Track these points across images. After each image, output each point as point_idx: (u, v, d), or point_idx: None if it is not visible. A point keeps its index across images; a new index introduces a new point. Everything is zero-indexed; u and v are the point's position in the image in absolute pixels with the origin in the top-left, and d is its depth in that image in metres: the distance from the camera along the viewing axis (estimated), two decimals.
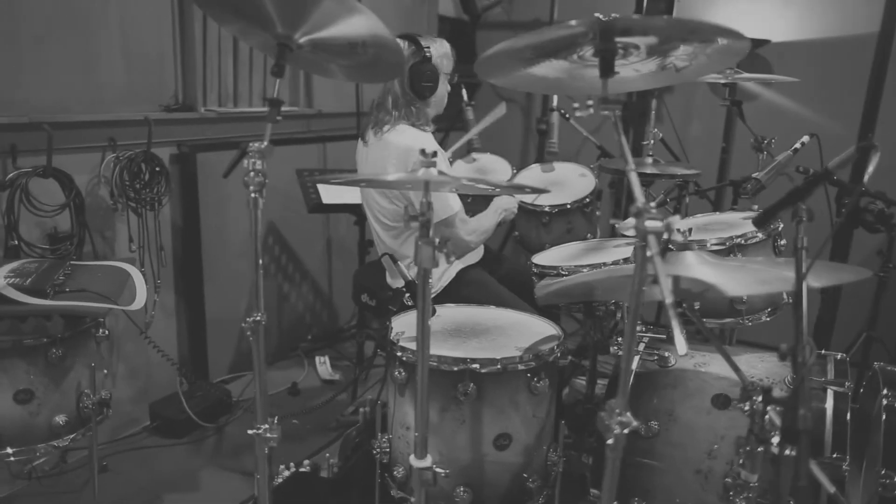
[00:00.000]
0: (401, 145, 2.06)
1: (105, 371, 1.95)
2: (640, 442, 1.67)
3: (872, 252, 2.85)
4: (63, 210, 2.18)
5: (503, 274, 2.43)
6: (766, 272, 1.28)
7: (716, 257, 1.43)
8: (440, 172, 1.21)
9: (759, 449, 1.23)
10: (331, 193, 2.81)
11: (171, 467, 2.34)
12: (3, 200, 2.06)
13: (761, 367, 1.74)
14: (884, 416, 1.50)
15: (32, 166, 2.09)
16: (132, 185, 2.37)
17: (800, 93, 3.33)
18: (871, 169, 1.07)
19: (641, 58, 1.27)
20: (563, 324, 2.09)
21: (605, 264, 1.93)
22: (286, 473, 1.60)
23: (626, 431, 1.12)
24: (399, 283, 2.16)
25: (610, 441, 1.12)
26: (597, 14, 1.12)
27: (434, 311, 1.66)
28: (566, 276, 1.94)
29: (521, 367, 1.54)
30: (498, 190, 1.80)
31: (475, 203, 2.31)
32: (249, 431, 1.40)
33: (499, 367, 1.52)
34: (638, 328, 1.99)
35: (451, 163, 2.51)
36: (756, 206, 2.24)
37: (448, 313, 1.85)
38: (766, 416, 1.23)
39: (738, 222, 2.02)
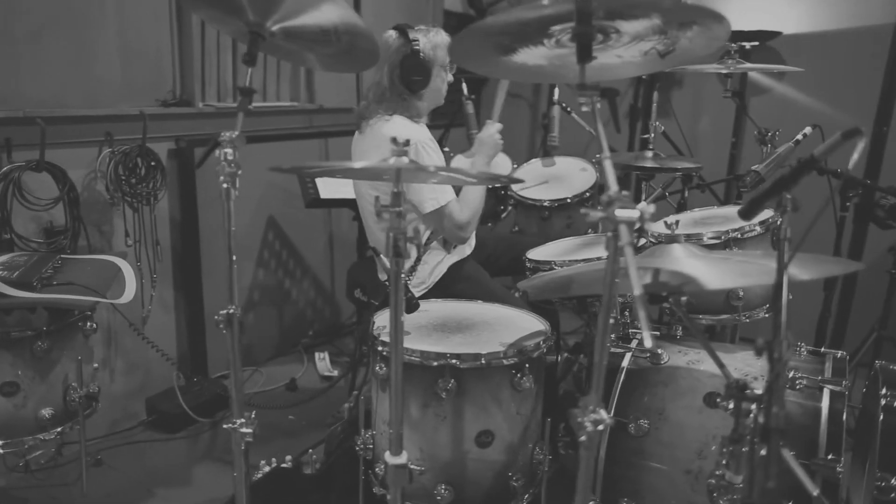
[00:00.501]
0: (387, 135, 2.03)
1: (95, 365, 1.96)
2: (629, 441, 1.62)
3: (884, 249, 2.77)
4: (56, 204, 2.18)
5: (487, 255, 2.37)
6: (751, 265, 1.23)
7: (703, 250, 1.38)
8: (412, 161, 1.18)
9: (743, 449, 1.19)
10: (329, 188, 2.79)
11: (166, 462, 2.34)
12: None
13: (758, 364, 1.68)
14: (881, 417, 1.44)
15: (26, 160, 2.10)
16: (128, 179, 2.37)
17: (812, 85, 3.24)
18: (856, 156, 1.01)
19: (623, 43, 1.23)
20: (567, 320, 2.04)
21: (599, 258, 1.89)
22: (266, 469, 1.59)
23: (599, 428, 1.08)
24: (382, 277, 2.14)
25: (583, 438, 1.08)
26: None
27: (418, 306, 1.63)
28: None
29: (504, 362, 1.50)
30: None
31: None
32: (225, 426, 1.38)
33: (481, 362, 1.48)
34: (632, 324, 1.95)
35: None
36: None
37: (436, 308, 1.82)
38: (751, 415, 1.18)
39: (737, 216, 1.96)
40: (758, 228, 1.81)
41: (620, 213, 1.00)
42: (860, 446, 1.85)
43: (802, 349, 1.72)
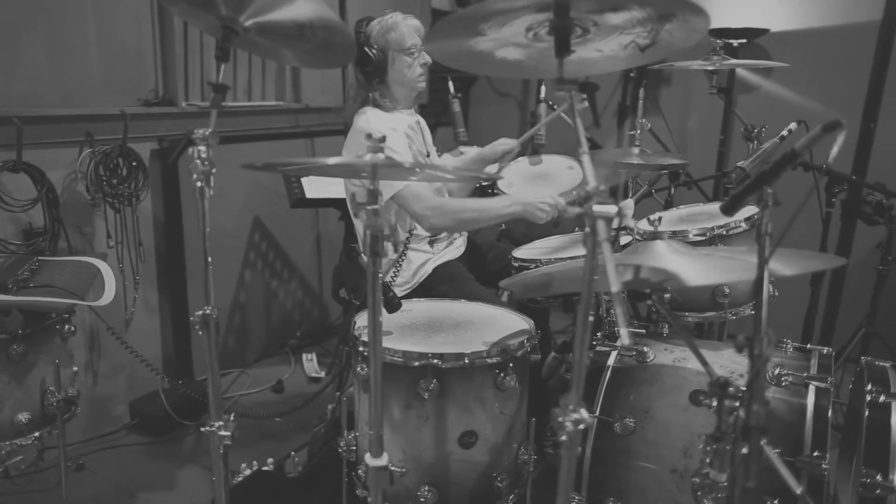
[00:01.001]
0: (356, 128, 2.04)
1: (75, 368, 1.92)
2: (615, 440, 1.61)
3: (872, 245, 2.77)
4: (35, 205, 2.15)
5: (490, 260, 2.36)
6: (734, 261, 1.22)
7: (686, 247, 1.36)
8: (388, 158, 1.16)
9: (726, 447, 1.17)
10: (314, 188, 2.77)
11: (149, 465, 2.31)
12: None
13: (744, 362, 1.67)
14: (866, 413, 1.43)
15: (3, 161, 2.06)
16: (108, 180, 2.34)
17: (800, 82, 3.23)
18: (835, 149, 1.00)
19: (602, 36, 1.22)
20: (557, 319, 2.01)
21: (581, 257, 1.87)
22: (246, 472, 1.56)
23: (580, 428, 1.06)
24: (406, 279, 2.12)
25: (563, 438, 1.06)
26: None
27: (400, 305, 1.61)
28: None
29: (487, 361, 1.48)
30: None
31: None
32: (203, 429, 1.36)
33: (464, 362, 1.46)
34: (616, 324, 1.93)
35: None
36: None
37: (419, 308, 1.80)
38: (734, 413, 1.17)
39: (715, 212, 1.95)
40: (743, 225, 1.79)
41: (598, 208, 0.99)
42: (847, 443, 1.84)
43: (788, 345, 1.71)
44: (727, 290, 1.78)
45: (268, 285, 3.19)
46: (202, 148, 1.22)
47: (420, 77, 2.09)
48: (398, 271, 2.09)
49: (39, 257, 1.94)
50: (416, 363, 1.44)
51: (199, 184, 1.23)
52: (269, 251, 3.16)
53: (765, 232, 1.05)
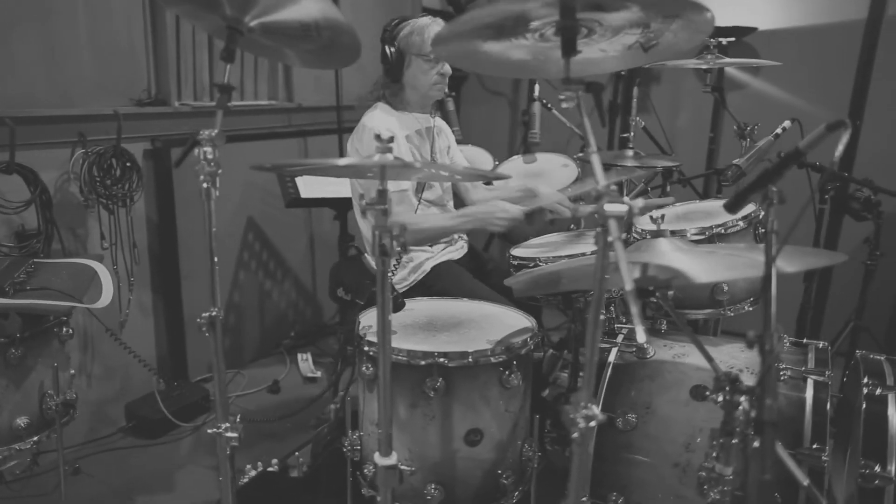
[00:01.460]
0: (360, 123, 2.07)
1: (72, 371, 1.90)
2: (617, 436, 1.62)
3: (860, 241, 2.81)
4: (28, 206, 2.12)
5: (489, 271, 2.37)
6: (736, 258, 1.24)
7: (689, 244, 1.38)
8: (397, 158, 1.16)
9: (733, 441, 1.19)
10: (309, 187, 2.76)
11: (146, 468, 2.29)
12: None
13: (742, 357, 1.70)
14: (864, 406, 1.46)
15: None
16: (102, 181, 2.31)
17: (787, 80, 3.28)
18: (841, 148, 1.02)
19: (607, 37, 1.23)
20: (549, 317, 2.01)
21: (584, 254, 1.89)
22: (252, 473, 1.55)
23: (591, 425, 1.07)
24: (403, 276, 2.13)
25: (575, 435, 1.07)
26: None
27: (403, 305, 1.61)
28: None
29: (491, 360, 1.49)
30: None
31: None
32: (210, 431, 1.35)
33: (469, 360, 1.47)
34: (617, 321, 1.95)
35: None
36: None
37: (421, 307, 1.80)
38: (740, 408, 1.19)
39: (719, 211, 1.98)
40: (740, 223, 1.82)
41: (609, 207, 1.00)
42: (840, 434, 1.88)
43: (785, 340, 1.74)
44: (726, 288, 1.80)
45: (262, 285, 3.17)
46: (208, 149, 1.21)
47: (436, 85, 2.10)
48: (396, 268, 2.09)
49: (35, 259, 1.91)
50: (423, 362, 1.45)
51: (205, 185, 1.22)
52: (263, 251, 3.15)
53: (771, 229, 1.07)
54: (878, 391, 1.48)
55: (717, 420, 1.53)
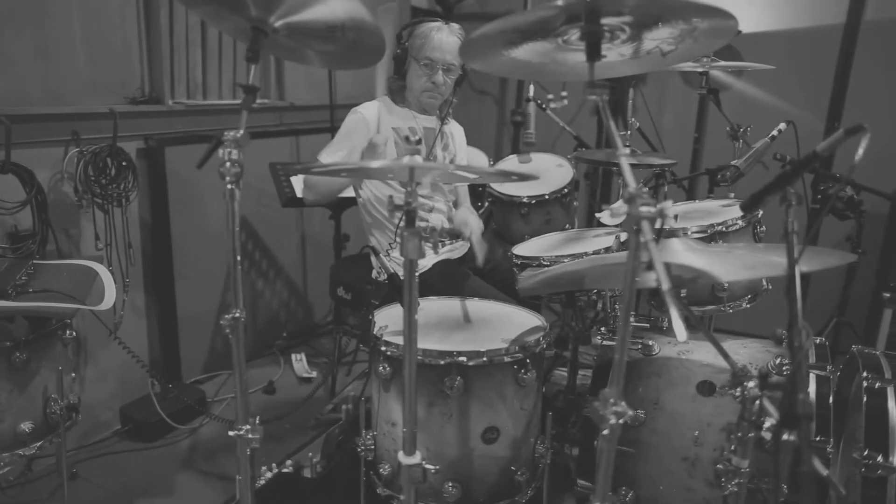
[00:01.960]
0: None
1: (73, 374, 1.87)
2: (626, 431, 1.66)
3: (841, 238, 2.91)
4: (24, 207, 2.08)
5: (487, 270, 2.40)
6: (751, 258, 1.28)
7: (701, 244, 1.42)
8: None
9: (750, 435, 1.23)
10: None
11: (144, 472, 2.26)
12: None
13: (744, 353, 1.74)
14: (865, 399, 1.52)
15: None
16: (98, 180, 2.27)
17: (770, 82, 3.36)
18: (860, 152, 1.06)
19: (628, 42, 1.25)
20: (542, 315, 2.01)
21: (585, 254, 1.92)
22: (268, 475, 1.55)
23: (621, 421, 1.10)
24: (380, 277, 2.12)
25: (605, 432, 1.10)
26: None
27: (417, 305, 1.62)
28: (548, 266, 1.92)
29: (508, 359, 1.51)
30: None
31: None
32: (230, 433, 1.35)
33: (486, 359, 1.49)
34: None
35: None
36: (732, 194, 2.25)
37: (430, 306, 1.82)
38: (757, 402, 1.23)
39: (718, 210, 2.03)
40: (740, 222, 1.87)
41: (643, 209, 1.02)
42: (836, 426, 1.94)
43: (783, 336, 1.79)
44: (726, 285, 1.85)
45: (254, 285, 3.15)
46: (233, 150, 1.21)
47: (425, 92, 2.14)
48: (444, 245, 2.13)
49: (34, 261, 1.87)
50: (442, 361, 1.46)
51: (230, 186, 1.22)
52: (255, 251, 3.12)
53: (791, 230, 1.11)
54: (878, 385, 1.53)
55: (725, 415, 1.59)
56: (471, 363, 1.47)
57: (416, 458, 1.29)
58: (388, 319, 1.64)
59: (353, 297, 2.31)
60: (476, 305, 1.84)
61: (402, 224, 1.17)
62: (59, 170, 2.26)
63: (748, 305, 1.94)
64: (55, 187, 2.26)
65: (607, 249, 1.92)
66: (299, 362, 3.01)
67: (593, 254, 1.92)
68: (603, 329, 1.97)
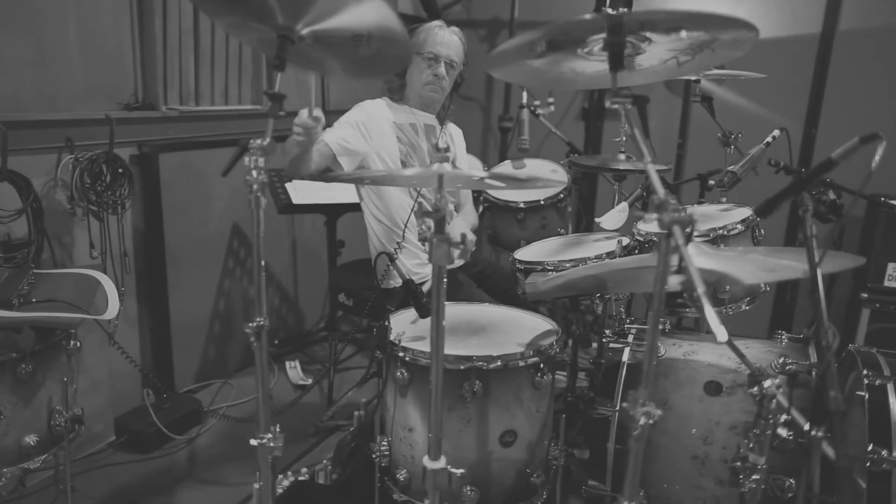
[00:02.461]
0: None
1: (74, 386, 1.84)
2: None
3: (821, 241, 3.01)
4: (20, 216, 2.03)
5: (478, 272, 2.42)
6: (766, 261, 1.32)
7: (713, 248, 1.46)
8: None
9: (767, 433, 1.28)
10: (301, 193, 2.74)
11: (143, 483, 2.22)
12: None
13: (748, 354, 1.79)
14: (867, 396, 1.57)
15: None
16: (93, 187, 2.23)
17: (748, 89, 3.46)
18: (877, 158, 1.11)
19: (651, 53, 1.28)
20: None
21: (588, 259, 1.95)
22: (285, 483, 1.54)
23: (651, 422, 1.13)
24: (393, 283, 2.13)
25: (636, 432, 1.13)
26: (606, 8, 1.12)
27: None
28: (551, 270, 1.95)
29: (525, 362, 1.53)
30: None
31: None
32: (253, 442, 1.34)
33: (502, 363, 1.51)
34: (627, 321, 2.03)
35: None
36: (725, 199, 2.31)
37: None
38: (774, 401, 1.27)
39: (716, 214, 2.08)
40: (739, 226, 1.92)
41: (673, 214, 1.05)
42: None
43: (783, 337, 1.84)
44: (727, 287, 1.90)
45: (246, 293, 3.12)
46: (259, 159, 1.21)
47: (427, 85, 2.16)
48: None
49: (34, 270, 1.83)
50: (462, 366, 1.47)
51: (256, 194, 1.22)
52: (248, 258, 3.09)
53: (810, 234, 1.15)
54: (878, 382, 1.59)
55: (733, 413, 1.64)
56: (490, 367, 1.48)
57: (441, 463, 1.29)
58: (401, 325, 1.65)
59: (354, 303, 2.31)
60: (486, 311, 1.86)
61: (431, 230, 1.18)
62: (53, 177, 2.21)
63: (747, 308, 1.99)
64: (48, 195, 2.21)
65: (610, 254, 1.96)
66: (293, 370, 2.98)
67: (595, 258, 1.96)
68: (607, 332, 2.01)
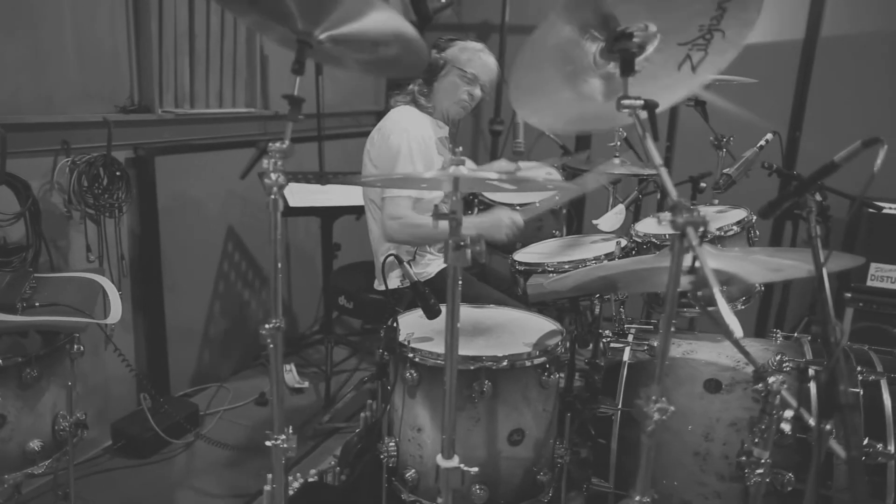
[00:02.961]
0: (397, 124, 2.13)
1: (77, 390, 1.82)
2: (638, 430, 1.72)
3: (803, 242, 3.08)
4: (18, 219, 2.01)
5: (473, 274, 2.44)
6: (770, 261, 1.36)
7: (718, 249, 1.50)
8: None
9: (772, 428, 1.32)
10: (297, 196, 2.74)
11: (142, 489, 2.20)
12: None
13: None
14: (861, 392, 1.62)
15: None
16: (91, 190, 2.21)
17: (733, 94, 3.52)
18: (879, 162, 1.15)
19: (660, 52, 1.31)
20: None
21: (587, 261, 1.98)
22: (295, 485, 1.54)
23: (664, 418, 1.16)
24: (396, 285, 2.15)
25: (650, 428, 1.16)
26: None
27: (440, 312, 1.65)
28: (552, 272, 1.98)
29: (531, 362, 1.56)
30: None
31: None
32: (268, 443, 1.35)
33: (509, 363, 1.53)
34: (626, 322, 2.06)
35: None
36: (717, 201, 2.36)
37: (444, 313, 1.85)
38: (778, 396, 1.31)
39: (711, 215, 2.13)
40: (735, 228, 1.97)
41: (688, 216, 1.08)
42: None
43: (778, 335, 1.89)
44: (725, 287, 1.94)
45: (240, 296, 3.11)
46: (279, 161, 1.22)
47: (460, 102, 2.22)
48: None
49: (36, 274, 1.82)
50: (472, 366, 1.50)
51: (274, 197, 1.23)
52: (242, 261, 3.08)
53: (815, 235, 1.19)
54: (871, 377, 1.65)
55: (732, 410, 1.68)
56: (499, 367, 1.51)
57: (455, 462, 1.31)
58: (407, 326, 1.67)
59: (354, 305, 2.32)
60: (490, 312, 1.88)
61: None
62: (49, 180, 2.19)
63: (742, 307, 2.04)
64: (44, 198, 2.19)
65: (609, 255, 1.99)
66: (289, 373, 2.98)
67: (594, 260, 2.00)
68: (609, 332, 2.04)
